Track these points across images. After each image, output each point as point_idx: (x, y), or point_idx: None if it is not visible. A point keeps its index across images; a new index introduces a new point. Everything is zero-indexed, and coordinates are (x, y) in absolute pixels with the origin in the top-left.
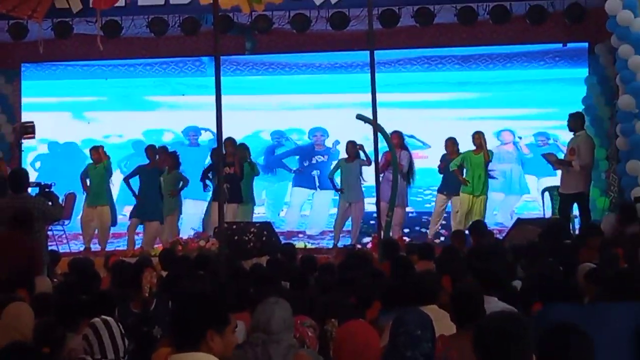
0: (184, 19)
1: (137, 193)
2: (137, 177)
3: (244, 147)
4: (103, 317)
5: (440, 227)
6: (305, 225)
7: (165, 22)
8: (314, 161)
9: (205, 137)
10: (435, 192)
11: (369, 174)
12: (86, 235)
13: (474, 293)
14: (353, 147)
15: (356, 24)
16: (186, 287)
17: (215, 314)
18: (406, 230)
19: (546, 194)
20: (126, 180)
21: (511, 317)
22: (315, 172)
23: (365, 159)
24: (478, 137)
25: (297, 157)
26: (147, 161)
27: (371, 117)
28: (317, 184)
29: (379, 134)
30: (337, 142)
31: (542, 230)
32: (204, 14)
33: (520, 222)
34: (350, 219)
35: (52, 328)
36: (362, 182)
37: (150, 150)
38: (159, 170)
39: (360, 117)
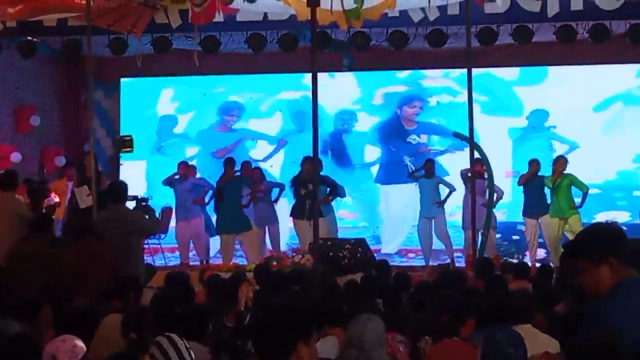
0: (282, 35)
1: (219, 206)
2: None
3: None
4: (167, 334)
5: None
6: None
7: (263, 38)
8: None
9: None
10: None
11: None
12: (182, 248)
13: None
14: (432, 165)
15: (454, 42)
16: (276, 302)
17: (303, 325)
18: None
19: None
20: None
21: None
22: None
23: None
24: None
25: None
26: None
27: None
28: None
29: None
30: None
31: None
32: (301, 30)
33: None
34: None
35: (145, 341)
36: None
37: (230, 162)
38: (240, 181)
39: (457, 134)
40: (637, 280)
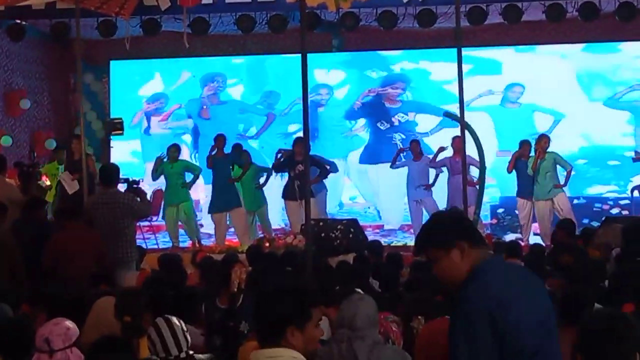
0: (271, 16)
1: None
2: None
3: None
4: (166, 316)
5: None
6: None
7: (252, 20)
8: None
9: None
10: None
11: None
12: (172, 232)
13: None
14: (417, 146)
15: (443, 21)
16: (269, 284)
17: (294, 310)
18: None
19: (635, 192)
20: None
21: (617, 316)
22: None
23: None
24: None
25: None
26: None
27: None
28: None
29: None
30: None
31: (625, 229)
32: (291, 11)
33: (608, 221)
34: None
35: (139, 323)
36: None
37: (221, 138)
38: (230, 159)
39: (447, 114)
40: (492, 262)
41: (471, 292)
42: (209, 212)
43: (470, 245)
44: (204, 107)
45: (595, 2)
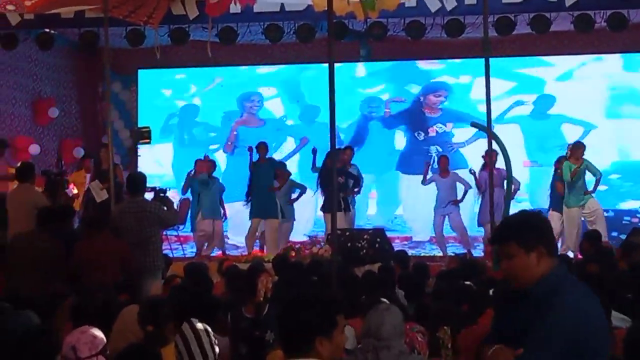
0: (299, 25)
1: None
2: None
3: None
4: (193, 324)
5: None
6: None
7: (280, 29)
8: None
9: None
10: None
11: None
12: (200, 245)
13: None
14: (446, 162)
15: (471, 31)
16: (294, 293)
17: (322, 320)
18: None
19: None
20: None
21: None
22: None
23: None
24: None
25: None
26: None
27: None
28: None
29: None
30: None
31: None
32: (319, 21)
33: (636, 231)
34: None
35: (162, 333)
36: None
37: (263, 146)
38: (272, 165)
39: (475, 124)
40: (567, 276)
41: (561, 304)
42: (249, 218)
43: (547, 253)
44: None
45: (624, 13)
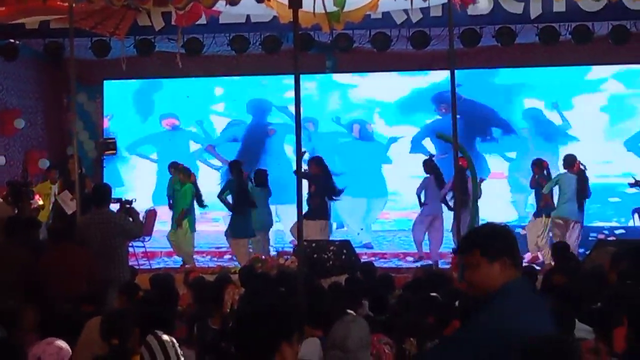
0: (265, 37)
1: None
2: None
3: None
4: (158, 335)
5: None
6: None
7: (246, 40)
8: None
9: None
10: None
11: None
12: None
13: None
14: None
15: (437, 44)
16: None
17: (285, 325)
18: None
19: (636, 215)
20: (220, 196)
21: (558, 340)
22: None
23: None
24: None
25: None
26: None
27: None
28: None
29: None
30: None
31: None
32: (285, 32)
33: (600, 244)
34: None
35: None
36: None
37: (237, 164)
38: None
39: (440, 135)
40: (515, 287)
41: (483, 317)
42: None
43: (512, 264)
44: None
45: (588, 25)
